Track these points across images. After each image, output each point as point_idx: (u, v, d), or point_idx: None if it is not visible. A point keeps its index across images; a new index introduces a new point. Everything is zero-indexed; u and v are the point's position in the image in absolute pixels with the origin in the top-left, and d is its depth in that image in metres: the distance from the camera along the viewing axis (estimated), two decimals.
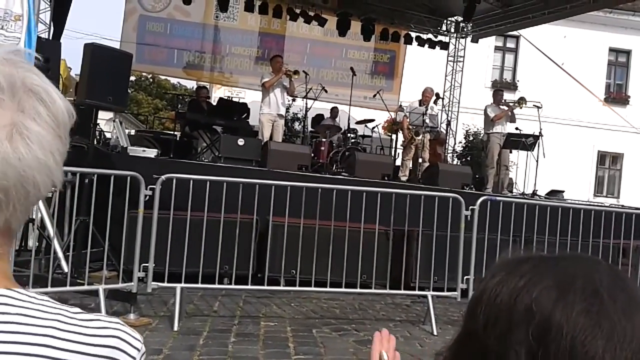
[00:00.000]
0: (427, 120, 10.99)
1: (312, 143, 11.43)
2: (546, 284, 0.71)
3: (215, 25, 14.43)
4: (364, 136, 12.51)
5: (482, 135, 14.22)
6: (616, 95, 23.15)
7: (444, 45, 14.83)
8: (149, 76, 34.73)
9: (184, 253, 5.63)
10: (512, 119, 11.34)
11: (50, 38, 7.87)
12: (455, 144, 15.46)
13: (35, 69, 0.85)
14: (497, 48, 22.73)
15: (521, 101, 11.27)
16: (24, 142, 0.80)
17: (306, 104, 11.71)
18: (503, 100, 11.66)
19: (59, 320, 0.81)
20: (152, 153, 8.99)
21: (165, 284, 5.54)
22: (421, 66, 16.53)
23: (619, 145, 22.41)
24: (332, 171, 10.57)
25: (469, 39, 15.07)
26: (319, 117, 13.46)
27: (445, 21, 15.07)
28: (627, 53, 23.57)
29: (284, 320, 5.81)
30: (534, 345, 0.68)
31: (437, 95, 12.09)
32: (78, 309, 0.86)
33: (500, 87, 15.84)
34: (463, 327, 0.77)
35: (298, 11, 13.41)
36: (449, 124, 14.35)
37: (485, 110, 11.58)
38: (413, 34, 14.48)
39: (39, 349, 0.77)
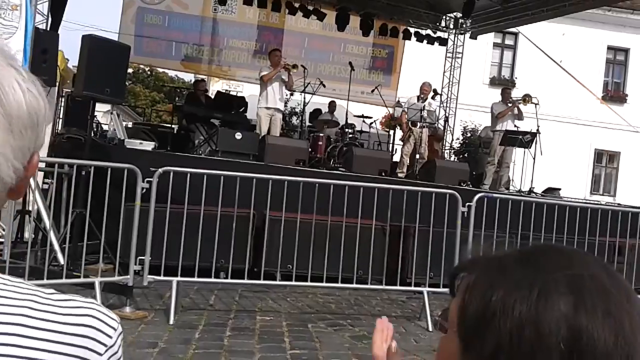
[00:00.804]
0: (425, 116, 10.99)
1: (309, 138, 11.41)
2: (558, 290, 0.70)
3: (213, 18, 14.38)
4: (361, 131, 12.50)
5: (480, 131, 14.24)
6: (614, 94, 23.15)
7: (443, 41, 14.82)
8: (147, 68, 34.67)
9: (180, 246, 5.62)
10: (520, 117, 11.41)
11: (48, 29, 7.83)
12: (452, 140, 15.46)
13: (3, 59, 0.85)
14: (495, 45, 22.71)
15: (526, 98, 11.31)
16: None
17: (304, 98, 11.69)
18: (510, 98, 11.71)
19: (33, 301, 0.81)
20: (149, 146, 8.98)
21: (162, 278, 5.53)
22: (420, 62, 16.51)
23: (616, 143, 22.44)
24: (330, 166, 10.57)
25: (467, 35, 15.06)
26: (316, 112, 13.44)
27: (444, 17, 15.05)
28: (626, 51, 23.57)
29: (279, 314, 5.81)
30: (567, 354, 0.67)
31: (435, 91, 12.09)
32: (53, 290, 0.85)
33: (499, 84, 15.83)
34: (467, 349, 0.74)
35: (297, 5, 13.37)
36: (446, 120, 14.34)
37: (491, 108, 11.67)
38: (412, 30, 14.46)
39: (13, 328, 0.77)
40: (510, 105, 11.49)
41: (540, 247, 0.78)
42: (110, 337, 0.84)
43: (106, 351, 0.83)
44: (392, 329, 1.25)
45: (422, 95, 11.23)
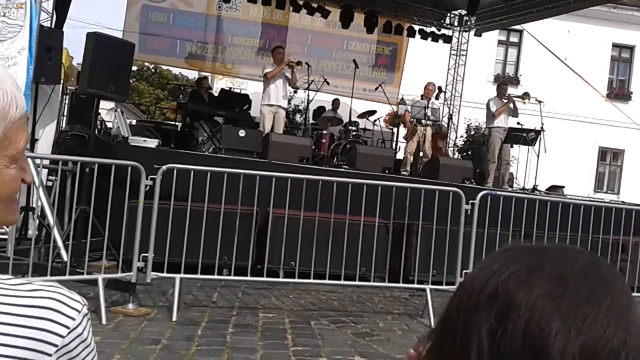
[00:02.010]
0: (429, 114, 10.98)
1: (313, 135, 11.42)
2: (516, 267, 0.71)
3: (217, 16, 14.40)
4: (365, 129, 12.50)
5: (483, 129, 14.21)
6: (619, 91, 23.09)
7: (447, 39, 14.79)
8: (151, 66, 34.67)
9: (183, 243, 5.64)
10: (515, 114, 11.31)
11: (53, 27, 7.85)
12: (456, 138, 15.44)
13: None
14: (500, 42, 22.67)
15: (525, 96, 11.25)
16: None
17: (308, 95, 11.69)
18: (506, 95, 11.63)
19: None
20: (153, 143, 8.99)
21: (165, 274, 5.55)
22: (424, 59, 16.50)
23: (620, 141, 22.38)
24: (333, 164, 10.57)
25: (472, 32, 15.02)
26: (320, 109, 13.44)
27: (448, 14, 15.02)
28: (631, 49, 23.49)
29: (282, 311, 5.83)
30: (494, 325, 0.68)
31: (439, 89, 12.08)
32: (11, 276, 0.85)
33: (503, 82, 15.79)
34: (442, 313, 0.78)
35: (301, 2, 13.36)
36: (450, 117, 14.32)
37: (487, 104, 11.56)
38: (416, 27, 14.44)
39: None
40: (506, 101, 11.40)
41: (547, 243, 0.79)
42: (72, 319, 0.83)
43: (69, 333, 0.83)
44: None
45: (426, 95, 11.21)
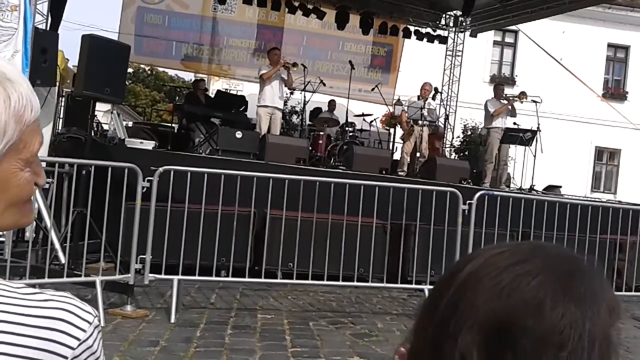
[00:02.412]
0: (425, 114, 10.99)
1: (310, 136, 11.42)
2: (473, 255, 0.74)
3: (213, 18, 14.39)
4: (362, 130, 12.50)
5: (480, 129, 14.24)
6: (614, 91, 23.14)
7: (443, 40, 14.81)
8: (147, 68, 34.65)
9: (181, 245, 5.63)
10: (513, 113, 11.35)
11: (48, 29, 7.83)
12: (453, 138, 15.46)
13: None
14: (495, 43, 22.70)
15: (522, 96, 11.27)
16: None
17: (304, 97, 11.69)
18: (504, 95, 11.66)
19: None
20: (149, 145, 8.99)
21: (163, 276, 5.54)
22: (420, 60, 16.51)
23: (617, 141, 22.43)
24: (330, 165, 10.57)
25: (467, 33, 15.05)
26: (316, 110, 13.44)
27: (444, 15, 15.05)
28: (626, 49, 23.55)
29: (280, 312, 5.82)
30: (435, 299, 0.72)
31: (436, 89, 12.08)
32: (22, 284, 0.85)
33: (499, 82, 15.83)
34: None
35: (297, 4, 13.37)
36: (447, 118, 14.34)
37: (485, 105, 11.58)
38: (412, 28, 14.46)
39: None
40: (505, 102, 11.44)
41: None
42: (84, 330, 0.83)
43: (79, 345, 0.82)
44: None
45: (422, 95, 11.21)
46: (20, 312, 0.80)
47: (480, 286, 0.68)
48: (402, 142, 11.70)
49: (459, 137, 16.73)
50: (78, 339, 0.82)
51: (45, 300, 0.82)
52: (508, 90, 12.95)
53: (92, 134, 8.17)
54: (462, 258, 0.75)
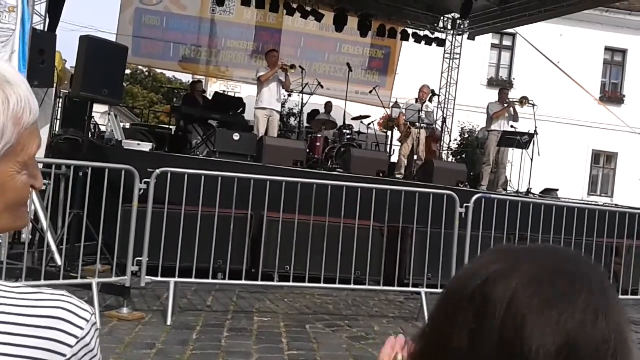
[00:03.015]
0: (423, 117, 11.00)
1: (307, 138, 11.42)
2: (493, 269, 0.73)
3: (211, 19, 14.39)
4: (359, 132, 12.51)
5: (477, 132, 14.25)
6: (611, 94, 23.19)
7: (441, 42, 14.83)
8: (145, 69, 34.62)
9: (177, 247, 5.62)
10: (515, 118, 11.41)
11: (46, 30, 7.82)
12: (450, 141, 15.48)
13: None
14: (493, 45, 22.73)
15: (523, 100, 11.34)
16: None
17: (302, 99, 11.70)
18: (507, 99, 11.72)
19: None
20: (146, 147, 8.97)
21: (159, 278, 5.52)
22: (417, 63, 16.53)
23: (614, 144, 22.47)
24: (327, 167, 10.57)
25: (465, 36, 15.07)
26: (314, 112, 13.45)
27: (442, 18, 15.06)
28: (623, 52, 23.61)
29: (277, 315, 5.81)
30: (473, 326, 0.70)
31: (433, 92, 12.10)
32: (19, 284, 0.85)
33: (503, 87, 15.88)
34: (429, 316, 0.81)
35: (295, 6, 13.37)
36: (444, 121, 14.36)
37: (487, 108, 11.68)
38: (410, 30, 14.47)
39: None
40: (506, 105, 11.51)
41: (533, 244, 0.81)
42: (81, 328, 0.83)
43: (77, 342, 0.82)
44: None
45: (420, 98, 11.23)
46: (17, 311, 0.79)
47: (537, 312, 0.68)
48: (399, 144, 11.71)
49: (456, 139, 16.76)
50: (76, 337, 0.82)
51: (42, 299, 0.82)
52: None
53: (89, 136, 8.17)
54: (480, 276, 0.73)
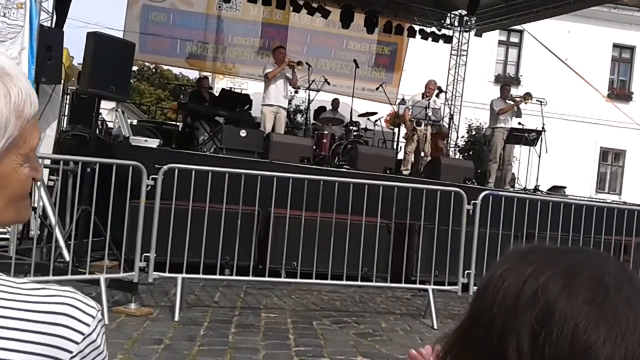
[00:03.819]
0: (430, 114, 10.97)
1: (314, 135, 11.41)
2: (553, 271, 0.72)
3: (218, 16, 14.38)
4: (366, 129, 12.49)
5: (485, 129, 14.21)
6: (619, 92, 23.07)
7: (448, 39, 14.79)
8: (152, 66, 34.69)
9: (185, 243, 5.63)
10: (518, 114, 11.35)
11: (53, 26, 7.84)
12: (457, 138, 15.44)
13: None
14: (500, 42, 22.65)
15: (527, 96, 11.27)
16: None
17: (309, 95, 11.69)
18: (510, 95, 11.66)
19: (2, 291, 0.80)
20: (154, 143, 8.98)
21: (167, 274, 5.53)
22: (424, 59, 16.49)
23: (622, 141, 22.36)
24: (334, 164, 10.56)
25: (472, 32, 15.02)
26: (321, 109, 13.44)
27: (449, 15, 15.02)
28: (631, 49, 23.48)
29: (284, 311, 5.82)
30: (537, 328, 0.69)
31: (440, 89, 12.06)
32: (26, 280, 0.85)
33: (504, 82, 15.81)
34: (468, 312, 0.79)
35: (301, 2, 13.35)
36: (451, 118, 14.32)
37: (491, 104, 11.61)
38: (417, 27, 14.43)
39: None
40: (511, 102, 11.45)
41: (569, 246, 0.80)
42: (87, 325, 0.83)
43: (83, 339, 0.82)
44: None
45: (427, 93, 11.19)
46: (24, 307, 0.80)
47: (602, 331, 0.68)
48: (405, 140, 11.69)
49: (463, 137, 16.71)
50: (82, 334, 0.82)
51: (49, 295, 0.82)
52: (513, 91, 12.93)
53: (97, 132, 8.18)
54: (538, 279, 0.72)
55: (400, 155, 11.79)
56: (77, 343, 0.81)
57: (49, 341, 0.79)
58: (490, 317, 0.73)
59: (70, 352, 0.80)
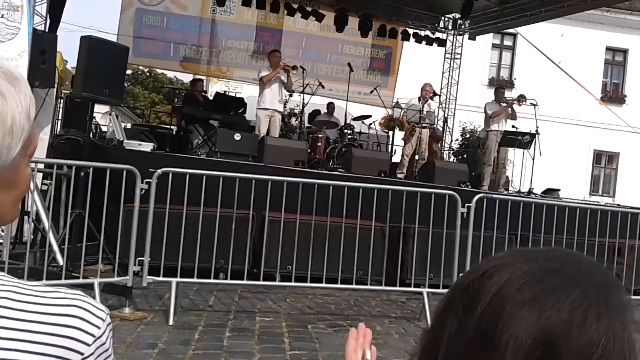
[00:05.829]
0: (425, 116, 10.99)
1: (308, 139, 11.40)
2: (492, 264, 0.72)
3: (212, 19, 14.37)
4: (360, 132, 12.49)
5: (479, 132, 14.25)
6: (612, 94, 23.16)
7: (442, 42, 14.82)
8: (146, 70, 34.66)
9: (179, 247, 5.62)
10: (513, 117, 11.38)
11: (47, 30, 7.82)
12: (451, 141, 15.47)
13: None
14: (494, 45, 22.72)
15: (521, 98, 11.31)
16: None
17: (303, 99, 11.69)
18: (504, 98, 11.69)
19: (13, 292, 0.81)
20: (148, 147, 8.96)
21: (161, 278, 5.52)
22: (418, 63, 16.51)
23: (615, 144, 22.44)
24: (329, 167, 10.56)
25: (466, 36, 15.06)
26: (315, 113, 13.44)
27: (442, 18, 15.05)
28: (624, 52, 23.58)
29: (279, 315, 5.81)
30: (460, 316, 0.70)
31: (434, 92, 12.09)
32: (37, 283, 0.86)
33: (498, 85, 15.85)
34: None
35: (295, 6, 13.37)
36: (445, 121, 14.34)
37: (485, 108, 11.63)
38: (411, 31, 14.46)
39: None
40: (504, 105, 11.48)
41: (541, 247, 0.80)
42: (98, 327, 0.84)
43: (94, 341, 0.83)
44: (370, 335, 1.22)
45: (423, 97, 11.21)
46: (36, 309, 0.80)
47: (518, 305, 0.67)
48: (402, 143, 11.69)
49: (457, 140, 16.74)
50: (93, 336, 0.83)
51: (60, 297, 0.83)
52: (507, 93, 12.97)
53: (91, 136, 8.15)
54: (479, 271, 0.72)
55: (395, 159, 11.80)
56: (88, 345, 0.82)
57: (61, 342, 0.80)
58: (435, 317, 0.76)
59: (82, 353, 0.81)
